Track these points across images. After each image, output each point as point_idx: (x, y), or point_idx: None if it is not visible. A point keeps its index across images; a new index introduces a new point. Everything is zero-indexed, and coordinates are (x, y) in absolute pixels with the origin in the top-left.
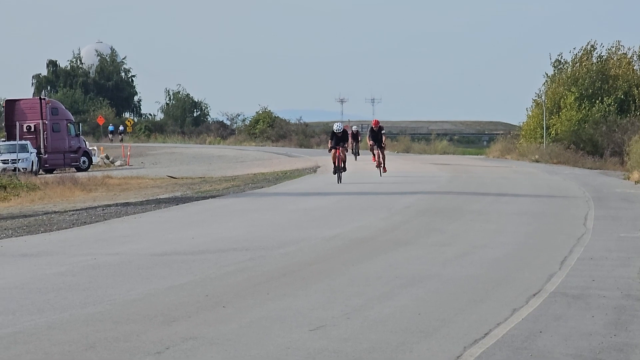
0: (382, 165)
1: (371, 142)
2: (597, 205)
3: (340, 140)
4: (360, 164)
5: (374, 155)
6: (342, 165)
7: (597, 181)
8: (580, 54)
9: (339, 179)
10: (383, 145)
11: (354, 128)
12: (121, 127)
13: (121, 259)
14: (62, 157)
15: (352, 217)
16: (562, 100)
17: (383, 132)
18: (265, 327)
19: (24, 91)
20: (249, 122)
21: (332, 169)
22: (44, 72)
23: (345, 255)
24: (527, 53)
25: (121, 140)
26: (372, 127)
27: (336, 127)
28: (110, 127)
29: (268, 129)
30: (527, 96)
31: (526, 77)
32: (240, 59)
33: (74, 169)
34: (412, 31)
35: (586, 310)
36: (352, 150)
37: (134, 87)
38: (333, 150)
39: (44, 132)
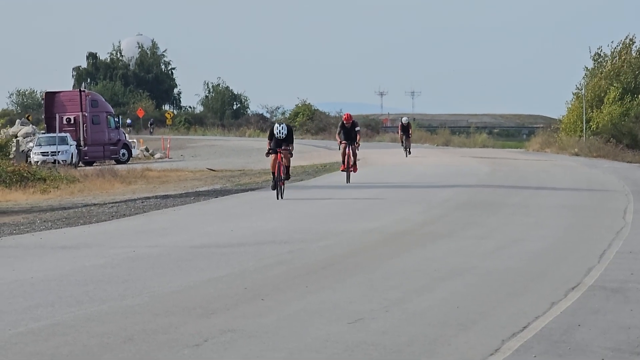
0: (353, 166)
1: (342, 141)
2: (637, 198)
3: (282, 142)
4: (399, 157)
5: (343, 160)
6: (284, 174)
7: (637, 175)
8: (619, 47)
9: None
10: (356, 145)
11: (405, 120)
12: (151, 120)
13: (160, 251)
14: (101, 150)
15: (391, 210)
16: (605, 94)
17: (357, 128)
18: (303, 320)
19: (64, 83)
20: (288, 114)
21: (272, 182)
22: (84, 64)
23: (384, 249)
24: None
25: (151, 133)
26: (343, 123)
27: (277, 128)
28: (150, 120)
29: (308, 121)
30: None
31: (566, 71)
32: (280, 52)
33: (113, 162)
34: (452, 24)
35: (625, 303)
36: (402, 144)
37: (174, 79)
38: (272, 156)
39: (83, 124)
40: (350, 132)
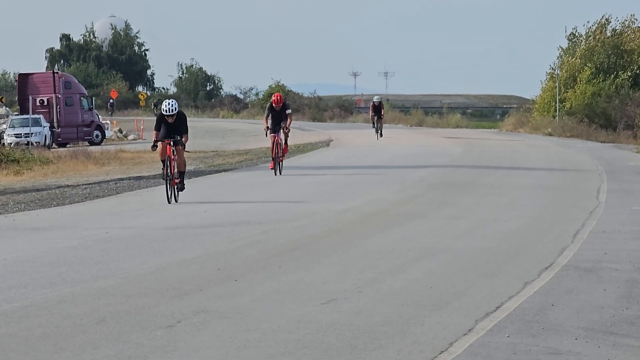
0: (284, 149)
1: (269, 127)
2: (610, 178)
3: (174, 129)
4: (372, 138)
5: (272, 154)
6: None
7: (610, 154)
8: (594, 27)
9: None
10: (286, 131)
11: (376, 99)
12: (111, 101)
13: (133, 232)
14: (75, 131)
15: (365, 190)
16: (578, 74)
17: (288, 111)
18: (276, 301)
19: (37, 65)
20: (262, 96)
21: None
22: (57, 46)
23: (358, 229)
24: (541, 27)
25: (111, 114)
26: (271, 105)
27: (166, 105)
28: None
29: None
30: (541, 70)
31: (540, 52)
32: (253, 33)
33: (87, 143)
34: (425, 4)
35: (598, 283)
36: (374, 126)
37: (147, 61)
38: (161, 144)
39: (57, 106)
40: (280, 116)
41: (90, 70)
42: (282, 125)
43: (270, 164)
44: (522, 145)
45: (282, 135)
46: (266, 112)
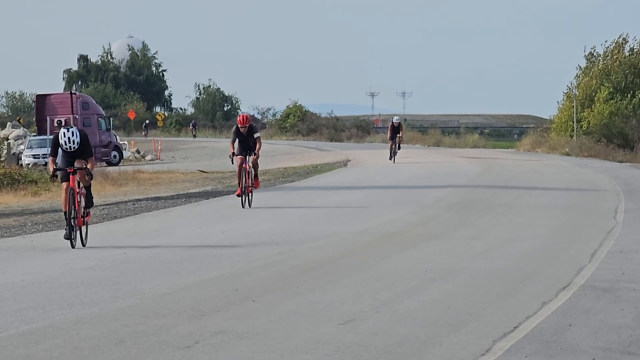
0: (254, 181)
1: (236, 153)
2: (628, 198)
3: (74, 155)
4: (389, 159)
5: (239, 180)
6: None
7: (628, 174)
8: (612, 47)
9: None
10: (255, 157)
11: (396, 120)
12: (146, 122)
13: (151, 253)
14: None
15: (382, 211)
16: (596, 94)
17: (257, 135)
18: (294, 322)
19: (55, 86)
20: (279, 116)
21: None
22: (75, 67)
23: (375, 250)
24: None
25: (145, 135)
26: (237, 128)
27: (65, 136)
28: (147, 122)
29: (299, 123)
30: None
31: (557, 71)
32: (270, 54)
33: (104, 164)
34: (443, 25)
35: (615, 303)
36: (390, 149)
37: (165, 81)
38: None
39: (74, 126)
40: (247, 141)
41: (108, 90)
42: (250, 154)
43: (237, 191)
44: (539, 165)
45: (250, 163)
46: (232, 136)
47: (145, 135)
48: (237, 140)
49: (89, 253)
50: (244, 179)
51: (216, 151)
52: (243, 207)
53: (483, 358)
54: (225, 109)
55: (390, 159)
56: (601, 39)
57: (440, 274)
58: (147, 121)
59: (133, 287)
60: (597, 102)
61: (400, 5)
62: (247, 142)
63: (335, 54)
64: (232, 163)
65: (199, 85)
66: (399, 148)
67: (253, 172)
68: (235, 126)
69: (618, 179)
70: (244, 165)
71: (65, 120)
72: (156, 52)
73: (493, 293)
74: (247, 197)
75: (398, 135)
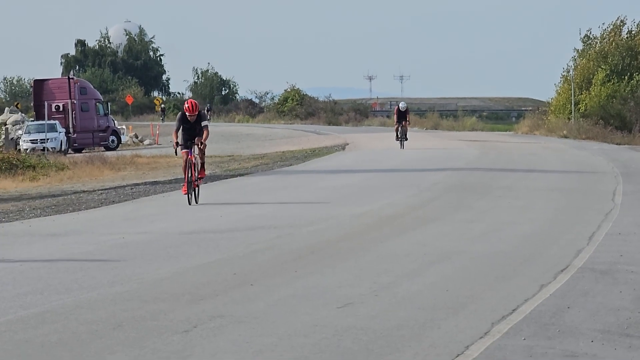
0: (200, 172)
1: (181, 143)
2: (626, 180)
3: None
4: (387, 142)
5: (185, 174)
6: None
7: (626, 156)
8: (609, 29)
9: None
10: (202, 147)
11: (402, 105)
12: (162, 105)
13: (149, 237)
14: (90, 137)
15: (381, 194)
16: (593, 76)
17: (204, 123)
18: (292, 305)
19: (53, 71)
20: (277, 100)
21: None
22: (73, 51)
23: (374, 233)
24: (556, 29)
25: (163, 120)
26: (184, 114)
27: None
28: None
29: (297, 106)
30: (556, 72)
31: (555, 54)
32: (268, 37)
33: (102, 148)
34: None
35: (614, 285)
36: (397, 135)
37: (162, 66)
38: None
39: (72, 111)
40: (193, 128)
41: (106, 75)
42: (197, 141)
43: (183, 188)
44: (537, 148)
45: (196, 153)
46: (176, 123)
47: (163, 119)
48: (181, 128)
49: (87, 238)
50: (189, 172)
51: (214, 135)
52: (190, 204)
53: (482, 341)
54: (223, 93)
55: (397, 140)
56: (599, 21)
57: (439, 257)
58: (163, 105)
59: (131, 271)
60: (594, 84)
61: None
62: (192, 131)
63: (333, 38)
64: (176, 154)
65: (196, 70)
66: (406, 138)
67: (199, 162)
68: (180, 113)
69: (616, 161)
70: (189, 157)
71: (63, 105)
72: (153, 37)
73: (491, 276)
74: (193, 193)
75: (405, 121)
